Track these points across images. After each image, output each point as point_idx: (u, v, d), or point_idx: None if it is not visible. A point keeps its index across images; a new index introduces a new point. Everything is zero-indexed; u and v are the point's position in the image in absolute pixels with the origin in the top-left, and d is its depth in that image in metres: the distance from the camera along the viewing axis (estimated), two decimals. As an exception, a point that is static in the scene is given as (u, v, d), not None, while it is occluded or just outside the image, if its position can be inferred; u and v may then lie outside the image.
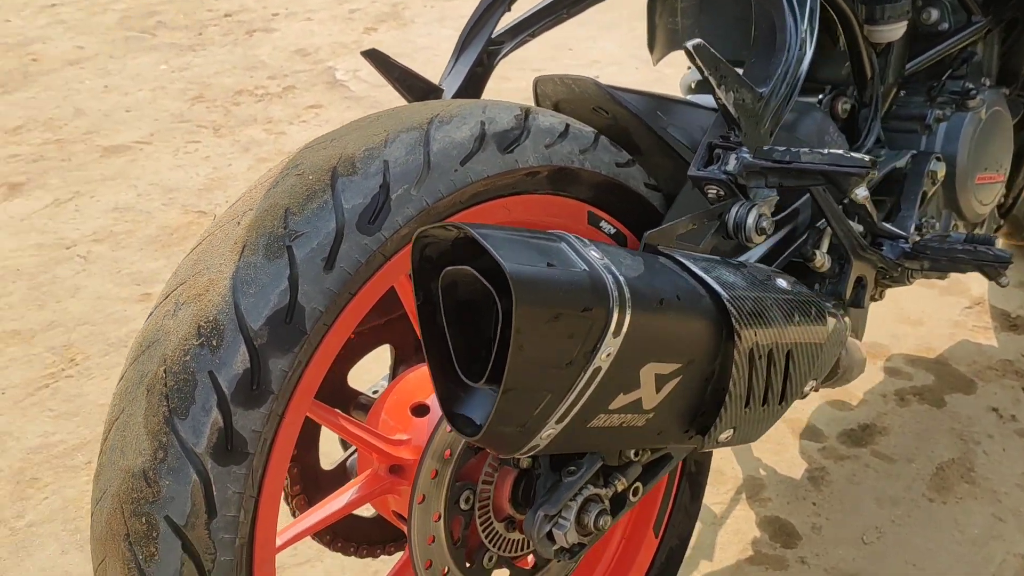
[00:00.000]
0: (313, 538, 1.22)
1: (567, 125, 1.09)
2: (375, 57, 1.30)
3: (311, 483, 1.21)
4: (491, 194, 1.02)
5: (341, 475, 1.23)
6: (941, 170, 1.46)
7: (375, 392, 1.26)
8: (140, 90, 3.48)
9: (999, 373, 1.99)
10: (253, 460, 0.87)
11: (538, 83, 1.25)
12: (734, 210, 1.00)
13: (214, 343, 0.86)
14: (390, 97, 3.23)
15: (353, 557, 1.28)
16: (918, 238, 1.35)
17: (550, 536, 1.01)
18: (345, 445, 1.29)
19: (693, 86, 1.53)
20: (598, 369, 0.76)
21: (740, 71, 1.11)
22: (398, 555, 1.25)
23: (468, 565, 1.07)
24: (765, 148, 1.00)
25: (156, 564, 0.85)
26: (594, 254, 0.78)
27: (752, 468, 1.76)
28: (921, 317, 2.17)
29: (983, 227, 1.69)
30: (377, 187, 0.93)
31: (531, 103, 1.22)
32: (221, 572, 0.87)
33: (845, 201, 1.25)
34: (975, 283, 2.26)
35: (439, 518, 1.03)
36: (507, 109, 1.05)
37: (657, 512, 1.32)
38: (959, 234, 1.40)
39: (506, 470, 1.06)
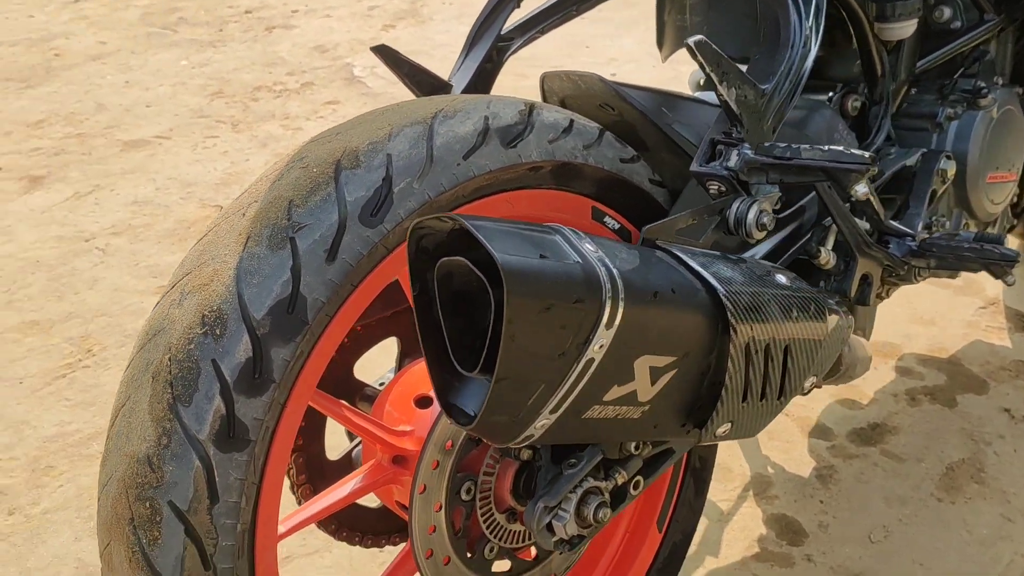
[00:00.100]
0: (319, 527, 1.24)
1: (571, 121, 1.10)
2: (384, 53, 1.31)
3: (316, 473, 1.22)
4: (494, 188, 1.03)
5: (346, 465, 1.25)
6: (951, 169, 1.45)
7: (381, 384, 1.27)
8: (160, 85, 3.51)
9: (1012, 374, 1.97)
10: (255, 447, 0.89)
11: (545, 79, 1.26)
12: (735, 206, 1.00)
13: (217, 332, 0.88)
14: (407, 93, 3.24)
15: (359, 547, 1.30)
16: (927, 236, 1.35)
17: (550, 527, 1.02)
18: (351, 436, 1.30)
19: (701, 83, 1.54)
20: (591, 361, 0.77)
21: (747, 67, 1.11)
22: (403, 545, 1.26)
23: (469, 555, 1.08)
24: (766, 144, 1.00)
25: (159, 548, 0.87)
26: (588, 247, 0.79)
27: (760, 465, 1.76)
28: (934, 317, 2.16)
29: (995, 226, 1.68)
30: (380, 180, 0.94)
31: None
32: (223, 557, 0.88)
33: (852, 199, 1.25)
34: (990, 283, 2.25)
35: (440, 508, 1.04)
36: (511, 104, 1.06)
37: (661, 507, 1.33)
38: (968, 233, 1.39)
39: (507, 462, 1.07)
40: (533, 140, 1.04)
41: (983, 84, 1.51)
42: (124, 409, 0.91)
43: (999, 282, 2.24)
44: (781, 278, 0.97)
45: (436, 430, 1.03)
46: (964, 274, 2.23)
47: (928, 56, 1.53)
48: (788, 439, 1.82)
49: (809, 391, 1.19)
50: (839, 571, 1.54)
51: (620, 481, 1.06)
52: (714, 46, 0.97)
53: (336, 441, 1.29)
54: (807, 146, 0.97)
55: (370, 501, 1.25)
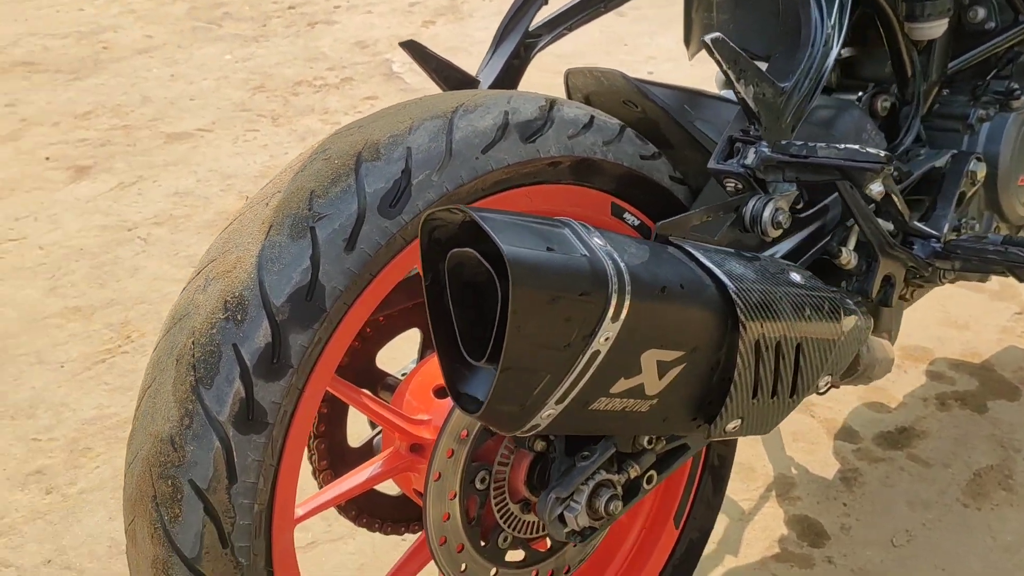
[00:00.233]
0: (340, 513, 1.27)
1: (592, 117, 1.11)
2: (413, 48, 1.33)
3: (338, 459, 1.25)
4: (513, 183, 1.05)
5: (367, 453, 1.27)
6: (981, 171, 1.44)
7: (403, 374, 1.30)
8: (205, 79, 3.58)
9: (1046, 380, 1.95)
10: (273, 430, 0.91)
11: (569, 75, 1.27)
12: (751, 203, 1.01)
13: (239, 317, 0.91)
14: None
15: (381, 535, 1.33)
16: (953, 238, 1.34)
17: (562, 519, 1.04)
18: (373, 424, 1.33)
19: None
20: (596, 353, 0.78)
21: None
22: (421, 533, 1.28)
23: (483, 544, 1.10)
24: (783, 142, 1.00)
25: (180, 525, 0.90)
26: (597, 241, 0.80)
27: (784, 466, 1.75)
28: (968, 321, 2.13)
29: (1029, 230, 1.65)
30: (399, 172, 0.96)
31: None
32: (240, 535, 0.91)
33: (877, 199, 1.25)
34: (1027, 289, 2.22)
35: (454, 496, 1.06)
36: (532, 100, 1.08)
37: (678, 503, 1.34)
38: (997, 236, 1.38)
39: (522, 453, 1.09)
40: (552, 135, 1.06)
41: (1016, 86, 1.49)
42: (150, 390, 0.94)
43: (1036, 287, 2.21)
44: (796, 276, 0.98)
45: (452, 419, 1.04)
46: (1000, 279, 2.21)
47: (961, 57, 1.52)
48: (813, 440, 1.81)
49: (826, 391, 1.20)
50: (860, 574, 1.53)
51: (633, 475, 1.07)
52: (731, 43, 0.98)
53: (360, 429, 1.31)
54: (823, 144, 0.98)
55: (391, 489, 1.28)
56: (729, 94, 1.41)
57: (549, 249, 0.75)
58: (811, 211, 1.25)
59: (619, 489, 1.05)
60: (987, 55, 1.51)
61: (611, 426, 0.89)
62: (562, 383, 0.79)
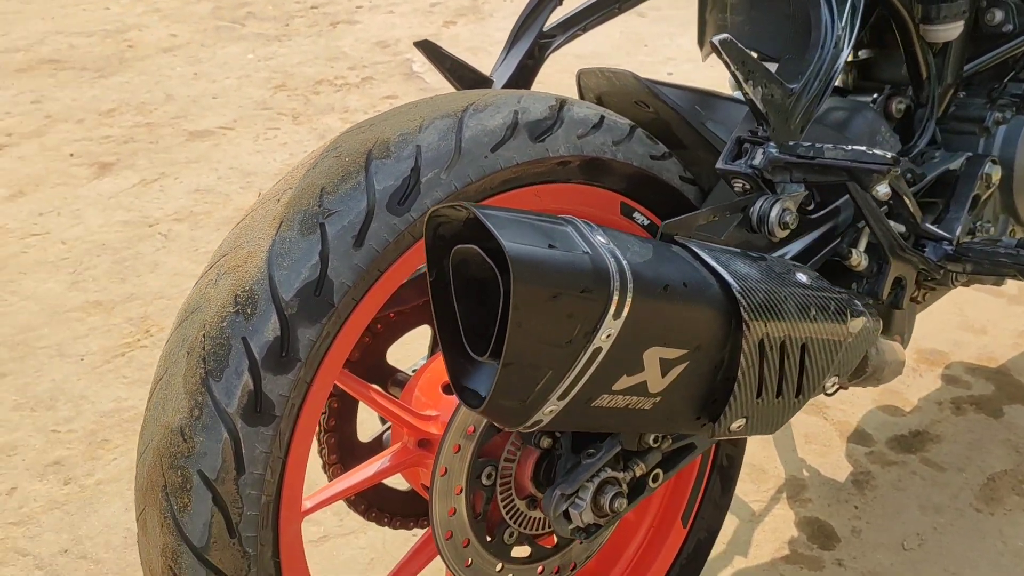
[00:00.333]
0: (349, 507, 1.28)
1: (602, 117, 1.12)
2: (427, 48, 1.35)
3: (348, 453, 1.26)
4: (522, 181, 1.06)
5: (377, 447, 1.28)
6: (996, 173, 1.43)
7: (414, 371, 1.31)
8: (227, 78, 3.61)
9: (1064, 386, 1.93)
10: (280, 423, 0.93)
11: (581, 76, 1.28)
12: (758, 204, 1.01)
13: (248, 311, 0.92)
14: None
15: (392, 530, 1.34)
16: (966, 241, 1.33)
17: (567, 515, 1.04)
18: (384, 420, 1.34)
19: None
20: (598, 349, 0.79)
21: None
22: (428, 528, 1.30)
23: (489, 539, 1.11)
24: (791, 143, 1.01)
25: (189, 515, 0.92)
26: (600, 239, 0.81)
27: (795, 468, 1.75)
28: (986, 326, 2.12)
29: (1046, 234, 1.64)
30: (408, 170, 0.97)
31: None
32: (247, 526, 0.93)
33: (884, 200, 1.25)
34: (1046, 293, 2.20)
35: (461, 491, 1.07)
36: (542, 100, 1.08)
37: (686, 503, 1.34)
38: (1011, 239, 1.37)
39: (529, 450, 1.09)
40: (562, 135, 1.07)
41: (1033, 88, 1.48)
42: (161, 382, 0.96)
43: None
44: (802, 277, 0.98)
45: (459, 415, 1.06)
46: (1020, 284, 2.19)
47: (978, 59, 1.51)
48: (826, 443, 1.81)
49: (834, 391, 1.19)
50: (869, 576, 1.53)
51: (638, 473, 1.07)
52: (739, 45, 0.98)
53: (373, 424, 1.33)
54: (830, 145, 0.98)
55: (400, 485, 1.29)
56: (741, 95, 1.41)
57: (551, 246, 0.75)
58: (822, 212, 1.25)
59: (624, 487, 1.06)
60: (1004, 57, 1.51)
61: (615, 423, 0.90)
62: (564, 379, 0.79)
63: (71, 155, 3.04)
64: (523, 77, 1.41)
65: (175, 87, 3.54)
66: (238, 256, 0.96)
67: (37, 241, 2.57)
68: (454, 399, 1.13)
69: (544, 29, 1.42)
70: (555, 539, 1.18)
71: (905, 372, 1.98)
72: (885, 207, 1.26)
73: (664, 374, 0.85)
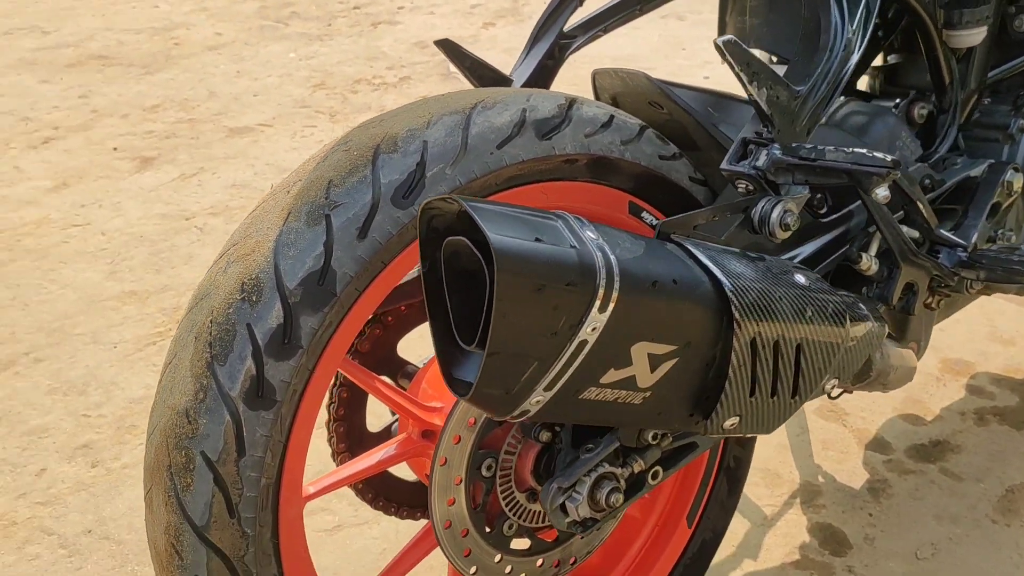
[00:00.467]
0: (357, 495, 1.30)
1: (611, 116, 1.13)
2: (447, 47, 1.37)
3: (356, 442, 1.29)
4: (528, 178, 1.07)
5: (385, 437, 1.31)
6: (1018, 181, 1.41)
7: (424, 363, 1.33)
8: (269, 76, 3.68)
9: (1092, 400, 1.90)
10: (281, 408, 0.95)
11: (596, 76, 1.29)
12: (760, 204, 1.02)
13: (254, 298, 0.95)
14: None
15: (405, 521, 1.36)
16: (985, 248, 1.32)
17: (563, 508, 1.06)
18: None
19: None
20: (584, 342, 0.80)
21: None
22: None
23: (488, 530, 1.12)
24: (794, 145, 1.01)
25: (191, 494, 0.95)
26: (590, 234, 0.82)
27: (811, 474, 1.74)
28: (1014, 336, 2.08)
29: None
30: (414, 165, 0.99)
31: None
32: (247, 506, 0.95)
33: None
34: (1080, 306, 2.16)
35: (460, 482, 1.09)
36: (552, 98, 1.10)
37: (692, 503, 1.34)
38: (1031, 247, 1.36)
39: (529, 443, 1.11)
40: (569, 133, 1.08)
41: (1059, 96, 1.46)
42: (171, 365, 0.99)
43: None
44: (800, 278, 0.98)
45: (460, 406, 1.07)
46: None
47: (1004, 65, 1.49)
48: (843, 449, 1.79)
49: (838, 395, 1.19)
50: (881, 585, 1.52)
51: (637, 469, 1.08)
52: (743, 46, 0.99)
53: (384, 414, 1.35)
54: (832, 148, 0.98)
55: (409, 476, 1.31)
56: (754, 97, 1.41)
57: (537, 239, 0.77)
58: (834, 216, 1.25)
59: (622, 482, 1.07)
60: (1031, 64, 1.49)
61: (606, 417, 0.91)
62: (550, 371, 0.81)
63: (115, 149, 3.12)
64: (542, 77, 1.42)
65: (218, 84, 3.61)
66: (247, 245, 0.99)
67: (78, 232, 2.65)
68: (459, 392, 1.15)
69: (564, 30, 1.43)
70: (556, 533, 1.20)
71: (929, 381, 1.96)
72: (901, 212, 1.26)
73: (653, 369, 0.86)
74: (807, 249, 1.21)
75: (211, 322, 0.96)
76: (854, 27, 1.09)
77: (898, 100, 1.49)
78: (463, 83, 3.53)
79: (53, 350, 2.15)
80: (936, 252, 1.27)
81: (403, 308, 1.27)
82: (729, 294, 0.89)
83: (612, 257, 0.80)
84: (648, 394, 0.88)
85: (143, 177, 2.95)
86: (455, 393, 0.82)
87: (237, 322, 0.95)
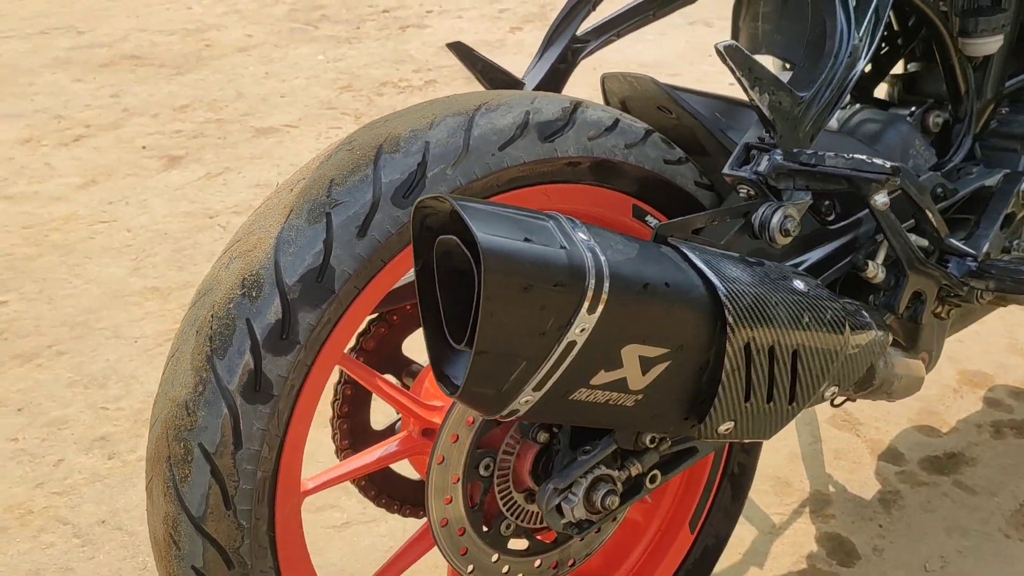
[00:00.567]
0: (360, 492, 1.32)
1: (616, 120, 1.13)
2: (459, 49, 1.38)
3: (360, 440, 1.30)
4: (530, 180, 1.08)
5: (389, 435, 1.32)
6: (1033, 191, 1.40)
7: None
8: (296, 78, 3.72)
9: (1114, 416, 1.86)
10: (279, 402, 0.97)
11: (605, 80, 1.29)
12: (761, 210, 1.01)
13: (254, 294, 0.96)
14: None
15: (411, 519, 1.37)
16: (996, 258, 1.31)
17: (559, 509, 1.06)
18: (399, 410, 1.37)
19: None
20: (572, 343, 0.81)
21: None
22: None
23: (485, 529, 1.13)
24: (795, 150, 1.00)
25: (189, 485, 0.96)
26: (581, 236, 0.82)
27: (822, 483, 1.73)
28: (1035, 350, 2.06)
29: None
30: (415, 165, 1.00)
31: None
32: (242, 499, 0.97)
33: (914, 214, 1.23)
34: (1104, 320, 2.12)
35: (458, 480, 1.10)
36: (556, 101, 1.10)
37: (695, 508, 1.34)
38: (1045, 258, 1.34)
39: (528, 444, 1.11)
40: (572, 136, 1.08)
41: (1078, 106, 1.44)
42: (173, 359, 1.01)
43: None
44: (799, 284, 0.98)
45: (458, 405, 1.08)
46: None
47: (1022, 75, 1.48)
48: (856, 460, 1.78)
49: (839, 403, 1.19)
50: (888, 597, 1.50)
51: (634, 473, 1.08)
52: (744, 51, 0.99)
53: (390, 412, 1.36)
54: (832, 154, 0.97)
55: (413, 474, 1.32)
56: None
57: (527, 239, 0.77)
58: (842, 223, 1.24)
59: (619, 485, 1.07)
60: (1050, 73, 1.47)
61: (598, 418, 0.91)
62: (539, 370, 0.81)
63: (143, 147, 3.17)
64: (554, 81, 1.43)
65: (247, 85, 3.66)
66: (250, 241, 1.00)
67: (104, 228, 2.69)
68: (461, 391, 1.15)
69: (578, 34, 1.43)
70: (554, 534, 1.20)
71: (946, 393, 1.94)
72: (912, 221, 1.25)
73: (645, 372, 0.86)
74: (813, 256, 1.21)
75: (212, 316, 0.98)
76: (861, 33, 1.08)
77: (914, 108, 1.48)
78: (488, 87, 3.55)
79: (76, 343, 2.19)
80: (945, 261, 1.26)
81: (408, 307, 1.29)
82: (723, 298, 0.89)
83: (603, 258, 0.81)
84: (640, 397, 0.88)
85: (170, 175, 2.99)
86: (445, 391, 0.83)
87: (237, 317, 0.96)
